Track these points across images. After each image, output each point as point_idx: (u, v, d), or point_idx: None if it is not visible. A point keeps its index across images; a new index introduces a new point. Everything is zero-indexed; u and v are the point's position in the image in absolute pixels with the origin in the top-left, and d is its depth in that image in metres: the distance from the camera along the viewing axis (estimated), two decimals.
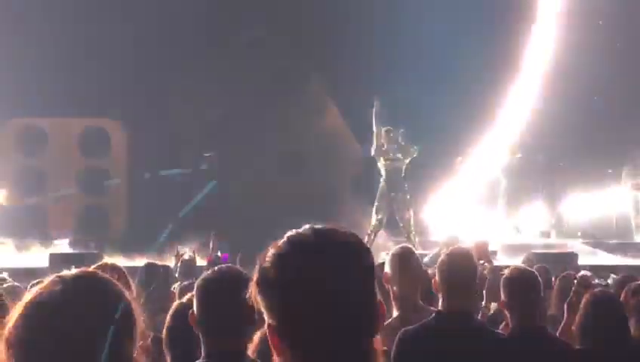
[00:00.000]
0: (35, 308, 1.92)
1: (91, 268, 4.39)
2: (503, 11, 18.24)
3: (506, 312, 5.04)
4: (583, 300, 5.07)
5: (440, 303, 4.64)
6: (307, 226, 1.86)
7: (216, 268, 3.53)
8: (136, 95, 20.37)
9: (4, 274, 11.30)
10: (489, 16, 18.57)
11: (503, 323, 6.78)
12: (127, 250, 15.06)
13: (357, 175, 21.20)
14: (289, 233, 1.86)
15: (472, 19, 18.64)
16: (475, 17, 18.67)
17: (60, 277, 2.00)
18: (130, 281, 4.58)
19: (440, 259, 4.71)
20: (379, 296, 1.88)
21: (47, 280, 2.00)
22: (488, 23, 18.55)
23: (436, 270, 4.70)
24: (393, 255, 5.16)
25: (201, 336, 3.33)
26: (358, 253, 1.83)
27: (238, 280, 3.34)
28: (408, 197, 17.11)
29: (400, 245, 5.47)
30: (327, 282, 1.77)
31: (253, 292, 1.85)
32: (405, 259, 5.13)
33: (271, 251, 1.84)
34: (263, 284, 1.82)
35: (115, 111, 21.23)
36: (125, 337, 1.95)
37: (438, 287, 4.64)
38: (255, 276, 1.85)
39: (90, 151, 22.05)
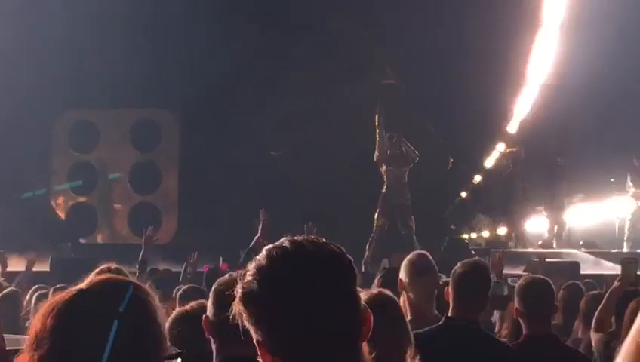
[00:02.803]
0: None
1: (93, 273, 4.36)
2: (506, 19, 18.17)
3: (520, 320, 5.09)
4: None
5: (450, 310, 4.76)
6: (284, 238, 1.89)
7: (233, 273, 3.50)
8: (190, 85, 19.34)
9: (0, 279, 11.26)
10: (493, 25, 18.48)
11: (505, 331, 6.79)
12: (174, 256, 13.64)
13: (439, 186, 19.89)
14: (267, 246, 1.89)
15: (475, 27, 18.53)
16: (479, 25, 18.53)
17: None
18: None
19: (455, 268, 4.83)
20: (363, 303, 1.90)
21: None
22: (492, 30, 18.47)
23: (450, 278, 4.83)
24: (408, 261, 5.15)
25: (213, 341, 3.34)
26: (337, 262, 1.86)
27: None
28: (410, 204, 17.05)
29: (415, 251, 5.45)
30: (307, 293, 1.80)
31: (236, 309, 1.86)
32: (421, 266, 5.13)
33: (251, 266, 1.86)
34: (247, 300, 1.83)
35: (167, 101, 20.21)
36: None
37: (449, 294, 4.77)
38: (237, 292, 1.86)
39: (142, 144, 20.93)
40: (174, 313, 4.09)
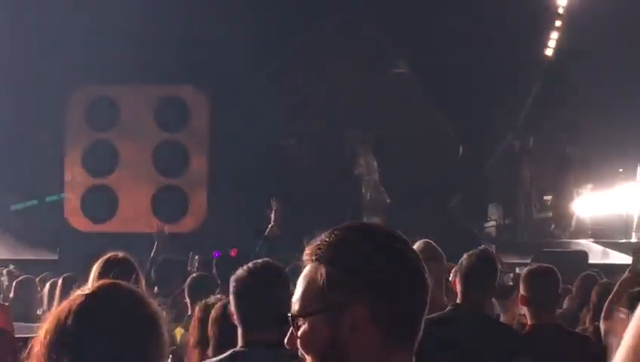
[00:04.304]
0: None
1: (99, 261, 4.37)
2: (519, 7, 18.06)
3: (525, 308, 5.14)
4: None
5: (458, 298, 4.87)
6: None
7: (251, 263, 3.65)
8: (219, 60, 18.03)
9: (11, 267, 11.34)
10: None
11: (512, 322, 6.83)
12: (204, 244, 13.29)
13: (450, 172, 19.29)
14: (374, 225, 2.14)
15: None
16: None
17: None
18: (141, 275, 4.54)
19: (462, 259, 4.93)
20: None
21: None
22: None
23: (458, 267, 4.92)
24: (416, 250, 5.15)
25: (239, 328, 3.55)
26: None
27: (274, 273, 3.55)
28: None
29: (422, 240, 5.47)
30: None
31: (330, 272, 1.93)
32: (428, 253, 5.14)
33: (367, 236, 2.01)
34: (368, 260, 1.94)
35: (196, 77, 18.96)
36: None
37: (457, 283, 4.88)
38: (349, 254, 1.94)
39: (167, 123, 19.38)
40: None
